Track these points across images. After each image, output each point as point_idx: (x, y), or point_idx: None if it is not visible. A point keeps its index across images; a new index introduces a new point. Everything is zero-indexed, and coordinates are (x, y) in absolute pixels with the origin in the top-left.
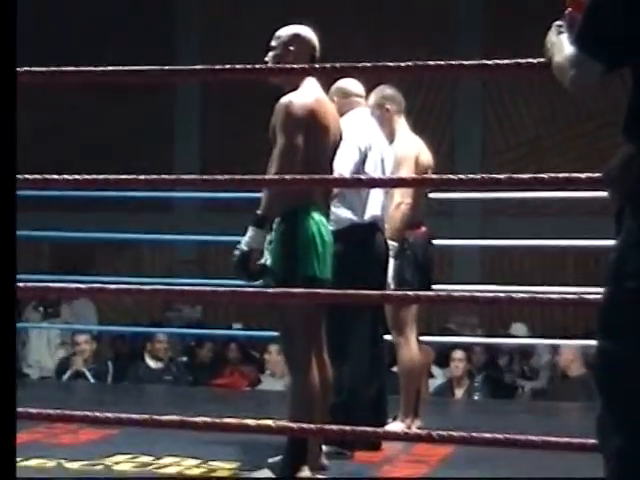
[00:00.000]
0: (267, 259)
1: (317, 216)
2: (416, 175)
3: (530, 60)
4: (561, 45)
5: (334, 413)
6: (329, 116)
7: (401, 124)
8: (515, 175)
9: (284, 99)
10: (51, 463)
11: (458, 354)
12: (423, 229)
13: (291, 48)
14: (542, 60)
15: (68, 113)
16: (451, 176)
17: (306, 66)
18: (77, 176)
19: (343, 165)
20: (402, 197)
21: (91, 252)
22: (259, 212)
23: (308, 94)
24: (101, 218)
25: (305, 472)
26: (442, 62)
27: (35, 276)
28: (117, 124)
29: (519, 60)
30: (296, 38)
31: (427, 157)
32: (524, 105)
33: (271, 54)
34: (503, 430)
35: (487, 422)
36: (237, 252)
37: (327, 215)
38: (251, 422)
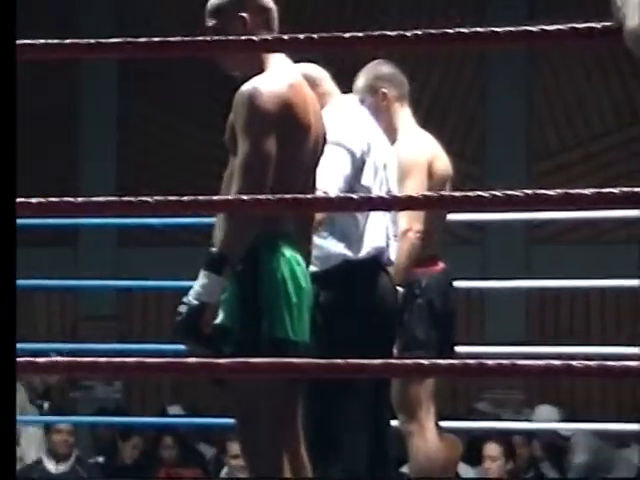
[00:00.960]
0: (219, 315)
1: (289, 252)
2: (429, 190)
3: (592, 25)
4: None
5: None
6: (309, 109)
7: (404, 116)
8: (572, 191)
9: (246, 87)
10: None
11: (492, 448)
12: (440, 266)
13: (242, 14)
14: (608, 24)
15: None
16: (480, 193)
17: (269, 37)
18: None
19: (329, 179)
20: (410, 222)
21: None
22: (215, 250)
23: (279, 79)
24: None
25: None
26: (465, 30)
27: None
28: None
29: (575, 25)
30: (245, 1)
31: (444, 163)
32: (588, 89)
33: (211, 23)
34: None
35: None
36: (184, 308)
37: (304, 250)
38: None
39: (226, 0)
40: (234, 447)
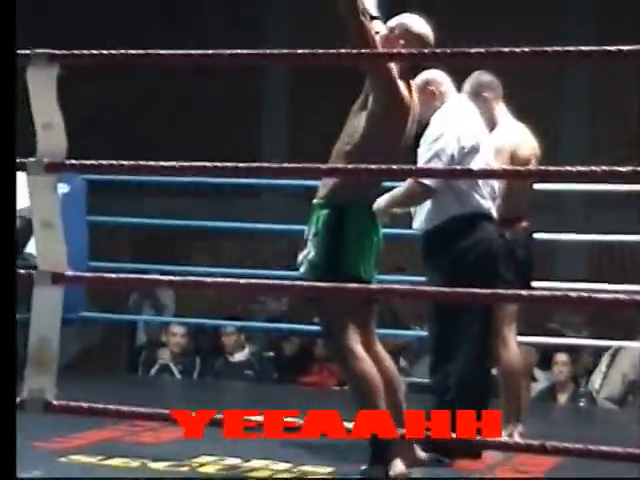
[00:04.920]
0: (310, 252)
1: (365, 216)
2: (515, 166)
3: None
4: None
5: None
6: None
7: (501, 111)
8: (616, 168)
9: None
10: (134, 463)
11: (562, 357)
12: (524, 224)
13: (401, 42)
14: None
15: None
16: (550, 167)
17: (402, 51)
18: (174, 163)
19: (435, 156)
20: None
21: (174, 240)
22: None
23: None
24: (185, 204)
25: (398, 467)
26: (548, 48)
27: (116, 264)
28: (200, 105)
29: None
30: (407, 31)
31: (527, 148)
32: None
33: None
34: (611, 442)
35: (592, 431)
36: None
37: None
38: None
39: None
40: None
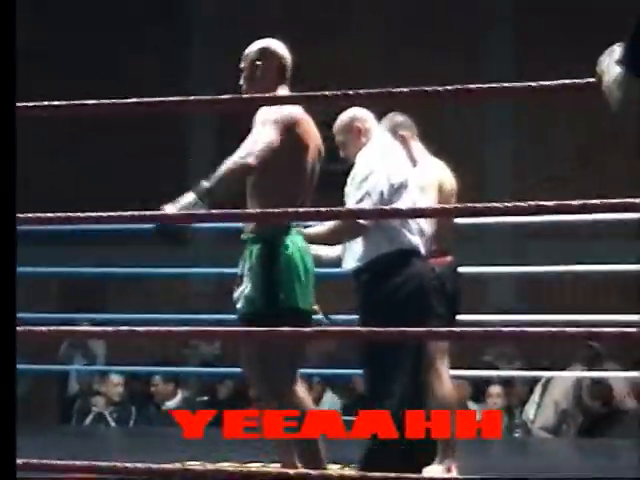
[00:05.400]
0: (247, 287)
1: (300, 242)
2: (439, 202)
3: (578, 81)
4: (611, 67)
5: (372, 456)
6: (312, 132)
7: (418, 148)
8: (542, 202)
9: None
10: None
11: (495, 389)
12: (449, 258)
13: (258, 63)
14: (590, 80)
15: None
16: (476, 205)
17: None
18: (93, 213)
19: (366, 194)
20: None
21: (101, 288)
22: (206, 184)
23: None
24: (110, 252)
25: None
26: (471, 86)
27: (45, 315)
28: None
29: (565, 81)
30: (263, 52)
31: (449, 184)
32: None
33: (242, 76)
34: (546, 470)
35: (527, 461)
36: (165, 213)
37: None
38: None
39: None
40: None
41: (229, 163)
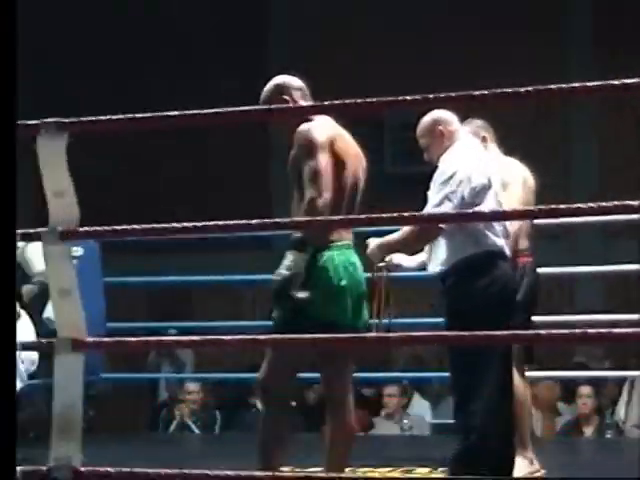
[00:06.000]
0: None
1: (341, 256)
2: (523, 198)
3: None
4: None
5: (461, 457)
6: (350, 146)
7: (496, 151)
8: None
9: (303, 127)
10: None
11: (585, 389)
12: (529, 259)
13: (285, 97)
14: None
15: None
16: (561, 206)
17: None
18: (187, 223)
19: (446, 198)
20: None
21: (188, 296)
22: (299, 235)
23: (325, 123)
24: (198, 260)
25: None
26: (550, 87)
27: (132, 324)
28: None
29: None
30: (280, 88)
31: (532, 179)
32: None
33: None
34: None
35: (619, 462)
36: (277, 277)
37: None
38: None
39: None
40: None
41: (315, 208)
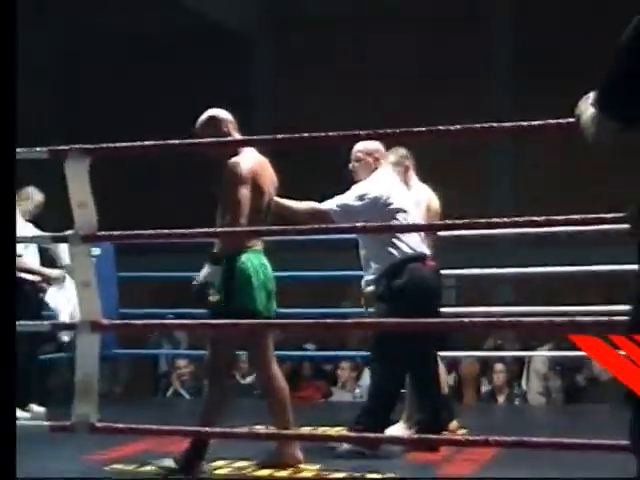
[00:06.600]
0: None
1: (255, 260)
2: (429, 218)
3: (562, 120)
4: (587, 108)
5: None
6: (267, 174)
7: (413, 176)
8: (520, 218)
9: (232, 160)
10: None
11: (499, 366)
12: (433, 263)
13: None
14: (572, 120)
15: None
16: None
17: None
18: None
19: (335, 201)
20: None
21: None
22: (215, 251)
23: (250, 157)
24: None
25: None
26: (474, 125)
27: (139, 310)
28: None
29: (560, 120)
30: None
31: (435, 203)
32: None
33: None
34: (543, 432)
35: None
36: (195, 283)
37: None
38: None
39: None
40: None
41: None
